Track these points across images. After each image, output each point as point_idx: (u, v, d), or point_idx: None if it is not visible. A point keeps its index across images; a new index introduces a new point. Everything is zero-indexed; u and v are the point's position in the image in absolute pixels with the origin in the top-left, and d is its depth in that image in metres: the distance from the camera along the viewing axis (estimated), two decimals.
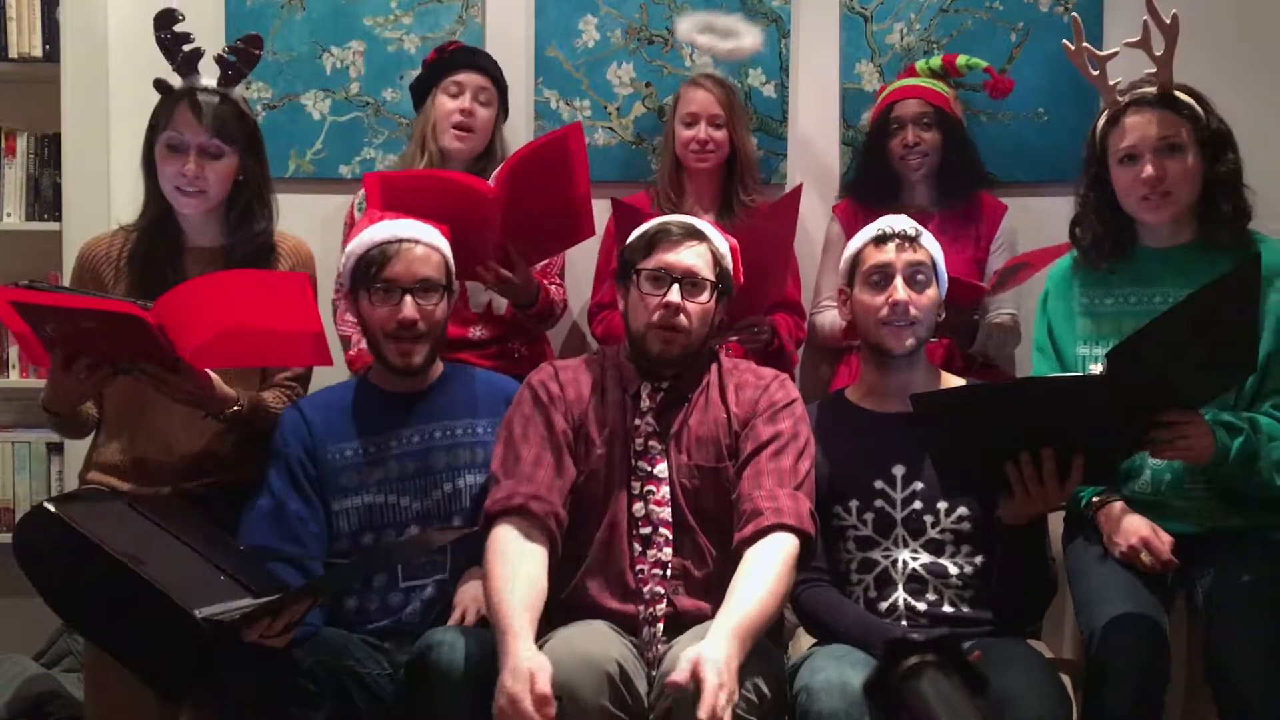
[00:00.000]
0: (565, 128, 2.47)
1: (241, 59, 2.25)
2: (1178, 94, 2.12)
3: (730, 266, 2.09)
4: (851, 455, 2.10)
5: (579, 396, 2.04)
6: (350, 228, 2.74)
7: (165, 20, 2.21)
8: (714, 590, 1.91)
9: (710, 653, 1.68)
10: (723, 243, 2.09)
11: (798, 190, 2.51)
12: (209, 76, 2.25)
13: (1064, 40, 2.21)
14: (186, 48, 2.22)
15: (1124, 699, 1.87)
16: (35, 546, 1.97)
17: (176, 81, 2.24)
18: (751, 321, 2.56)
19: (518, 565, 1.84)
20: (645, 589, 1.95)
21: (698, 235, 2.05)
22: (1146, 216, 2.14)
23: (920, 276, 2.08)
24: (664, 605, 1.94)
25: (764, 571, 1.83)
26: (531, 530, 1.89)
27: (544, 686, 1.65)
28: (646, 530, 1.97)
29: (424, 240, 2.11)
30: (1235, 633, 1.90)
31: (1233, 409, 2.04)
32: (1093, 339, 2.19)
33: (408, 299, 2.07)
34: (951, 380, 2.18)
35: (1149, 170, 2.08)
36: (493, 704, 1.69)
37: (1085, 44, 2.17)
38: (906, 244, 2.08)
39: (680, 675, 1.66)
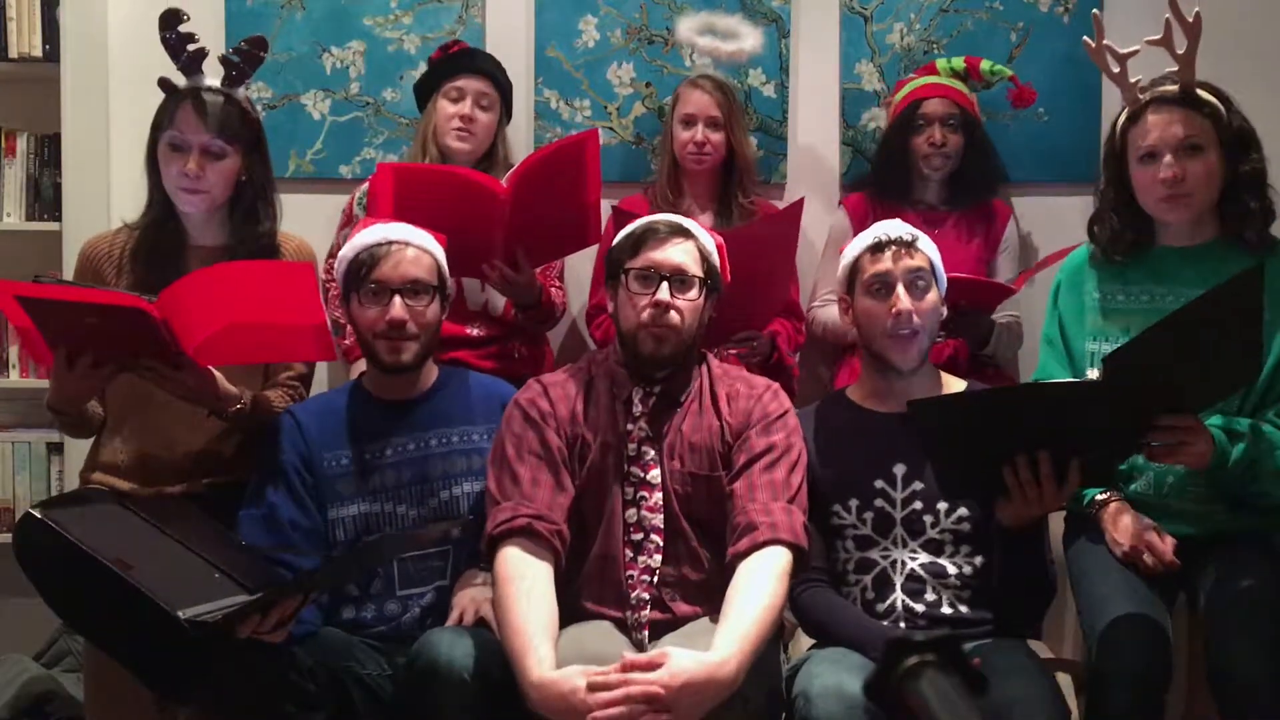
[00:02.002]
0: (582, 134, 2.48)
1: (245, 60, 2.25)
2: (1200, 92, 2.09)
3: (718, 263, 2.08)
4: (852, 454, 2.10)
5: (570, 411, 2.02)
6: (347, 219, 2.74)
7: (170, 20, 2.21)
8: (710, 595, 1.91)
9: (715, 660, 1.70)
10: (709, 240, 2.08)
11: (800, 203, 2.51)
12: (213, 76, 2.25)
13: (1085, 38, 2.18)
14: (191, 48, 2.22)
15: (1126, 700, 1.87)
16: (31, 550, 1.97)
17: (180, 81, 2.24)
18: (750, 335, 2.56)
19: (531, 586, 1.84)
20: (633, 594, 1.94)
21: (684, 232, 2.04)
22: (1165, 216, 2.12)
23: (920, 282, 2.07)
24: (648, 610, 1.93)
25: (760, 586, 1.82)
26: (537, 550, 1.88)
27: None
28: (638, 536, 1.97)
29: (414, 243, 2.11)
30: (1237, 634, 1.90)
31: (1237, 414, 2.03)
32: (1102, 334, 2.17)
33: (396, 299, 2.07)
34: (952, 383, 2.18)
35: (1168, 170, 2.06)
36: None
37: (1106, 41, 2.14)
38: (904, 250, 2.07)
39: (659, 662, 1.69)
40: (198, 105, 2.19)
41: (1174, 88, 2.10)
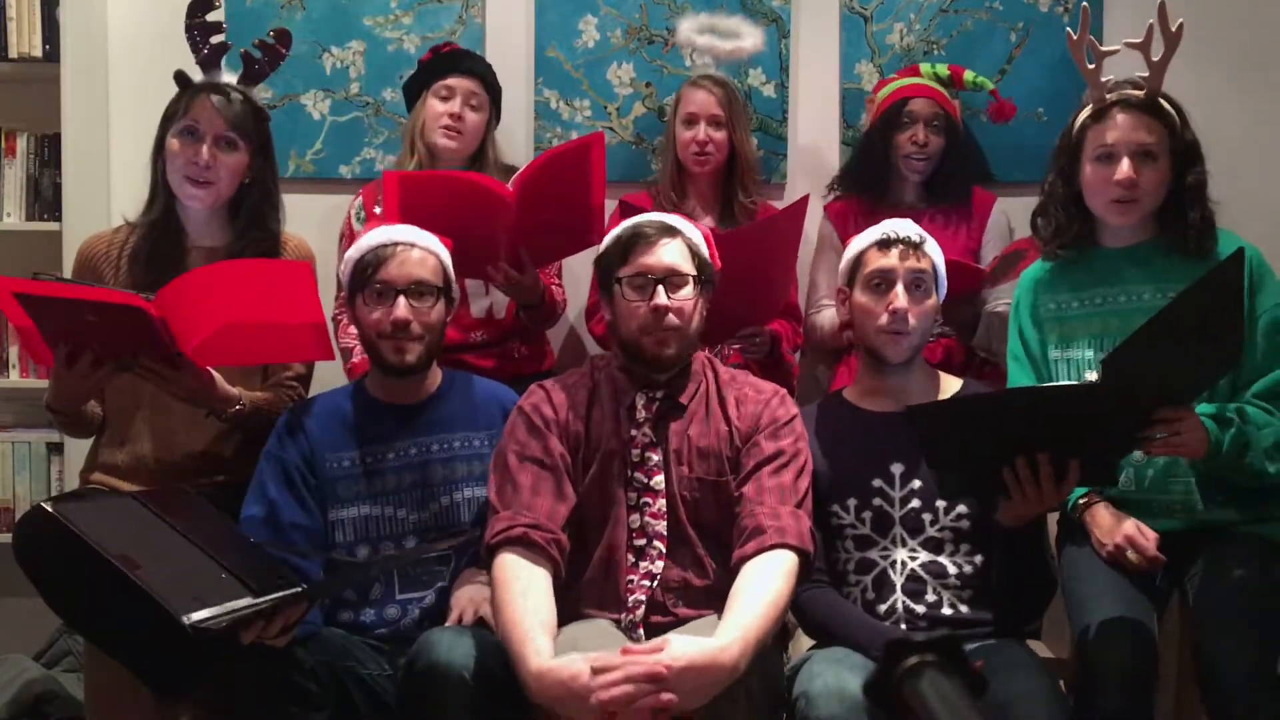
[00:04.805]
0: (588, 136, 2.48)
1: (268, 55, 2.26)
2: (1162, 102, 2.12)
3: (707, 254, 2.07)
4: (849, 454, 2.10)
5: (573, 417, 2.01)
6: (346, 237, 2.73)
7: (198, 8, 2.21)
8: (714, 600, 1.90)
9: (717, 645, 1.69)
10: (695, 233, 2.08)
11: (804, 201, 2.51)
12: (229, 74, 2.26)
13: (1068, 29, 2.20)
14: (215, 39, 2.22)
15: (1113, 701, 1.88)
16: (35, 547, 1.97)
17: (195, 76, 2.25)
18: (752, 331, 2.56)
19: (527, 585, 1.83)
20: (630, 598, 1.94)
21: (671, 231, 2.03)
22: (1112, 218, 2.15)
23: (921, 285, 2.08)
24: (642, 611, 1.93)
25: (766, 582, 1.82)
26: (535, 557, 1.87)
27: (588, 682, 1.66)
28: (641, 542, 1.96)
29: (420, 244, 2.11)
30: (1223, 631, 1.90)
31: (1209, 400, 2.04)
32: (1064, 343, 2.19)
33: (401, 300, 2.07)
34: (950, 382, 2.18)
35: (1125, 171, 2.08)
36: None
37: (1090, 36, 2.16)
38: (910, 251, 2.07)
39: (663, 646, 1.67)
40: (216, 96, 2.20)
41: (1140, 92, 2.12)
